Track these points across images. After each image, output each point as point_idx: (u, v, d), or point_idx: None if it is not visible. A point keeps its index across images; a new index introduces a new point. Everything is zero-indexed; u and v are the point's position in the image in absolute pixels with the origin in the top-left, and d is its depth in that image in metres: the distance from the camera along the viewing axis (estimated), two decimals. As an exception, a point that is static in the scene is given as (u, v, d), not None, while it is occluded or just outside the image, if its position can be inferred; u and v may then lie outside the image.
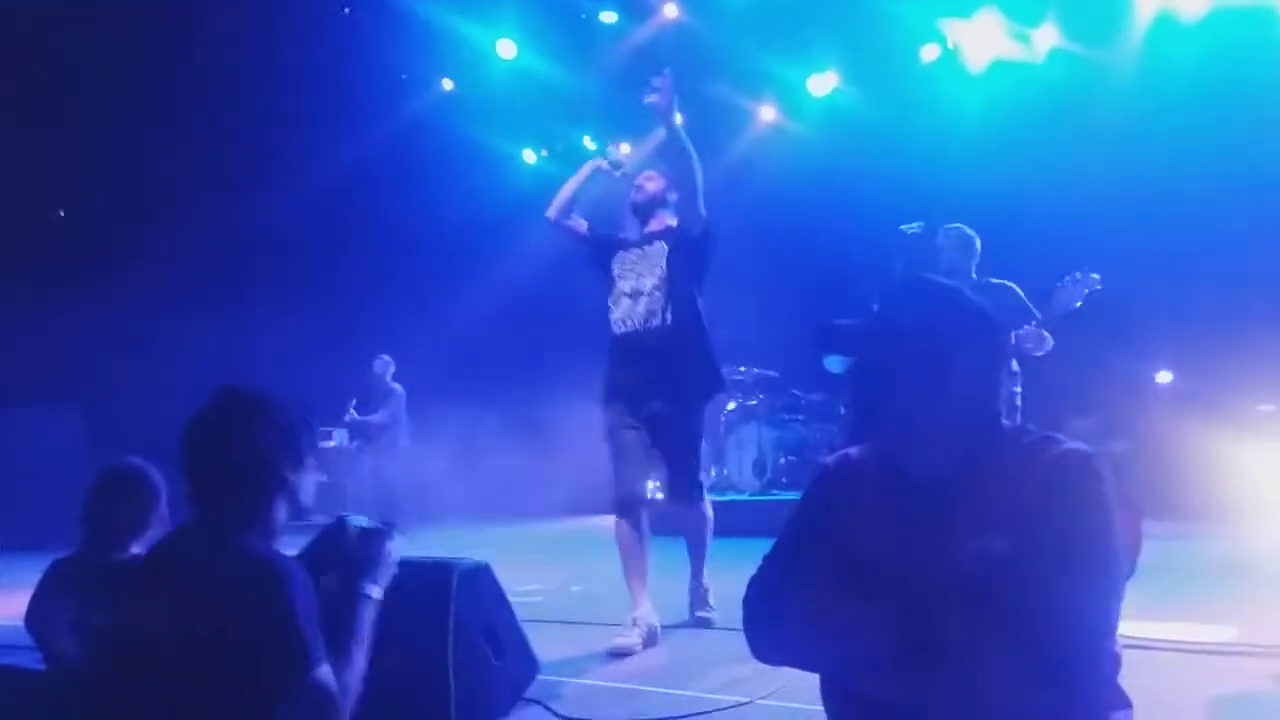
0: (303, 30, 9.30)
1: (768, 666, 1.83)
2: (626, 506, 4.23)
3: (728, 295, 9.92)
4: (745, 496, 8.60)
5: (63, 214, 11.37)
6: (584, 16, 9.43)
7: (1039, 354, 4.79)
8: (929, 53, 9.15)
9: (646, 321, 4.24)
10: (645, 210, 4.41)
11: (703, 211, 4.26)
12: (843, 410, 8.54)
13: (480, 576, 2.94)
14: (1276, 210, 7.51)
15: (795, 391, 9.28)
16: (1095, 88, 8.47)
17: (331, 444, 10.35)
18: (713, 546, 4.51)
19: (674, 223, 4.37)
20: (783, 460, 8.72)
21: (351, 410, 9.82)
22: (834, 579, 1.79)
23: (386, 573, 2.25)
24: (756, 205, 10.23)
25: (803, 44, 9.41)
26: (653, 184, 4.41)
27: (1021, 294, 4.88)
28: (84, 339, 9.45)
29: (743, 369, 9.28)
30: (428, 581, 2.86)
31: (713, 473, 9.26)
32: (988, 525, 1.69)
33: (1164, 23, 8.15)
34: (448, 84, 10.28)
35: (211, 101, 9.75)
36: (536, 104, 10.13)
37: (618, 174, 4.44)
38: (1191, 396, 8.84)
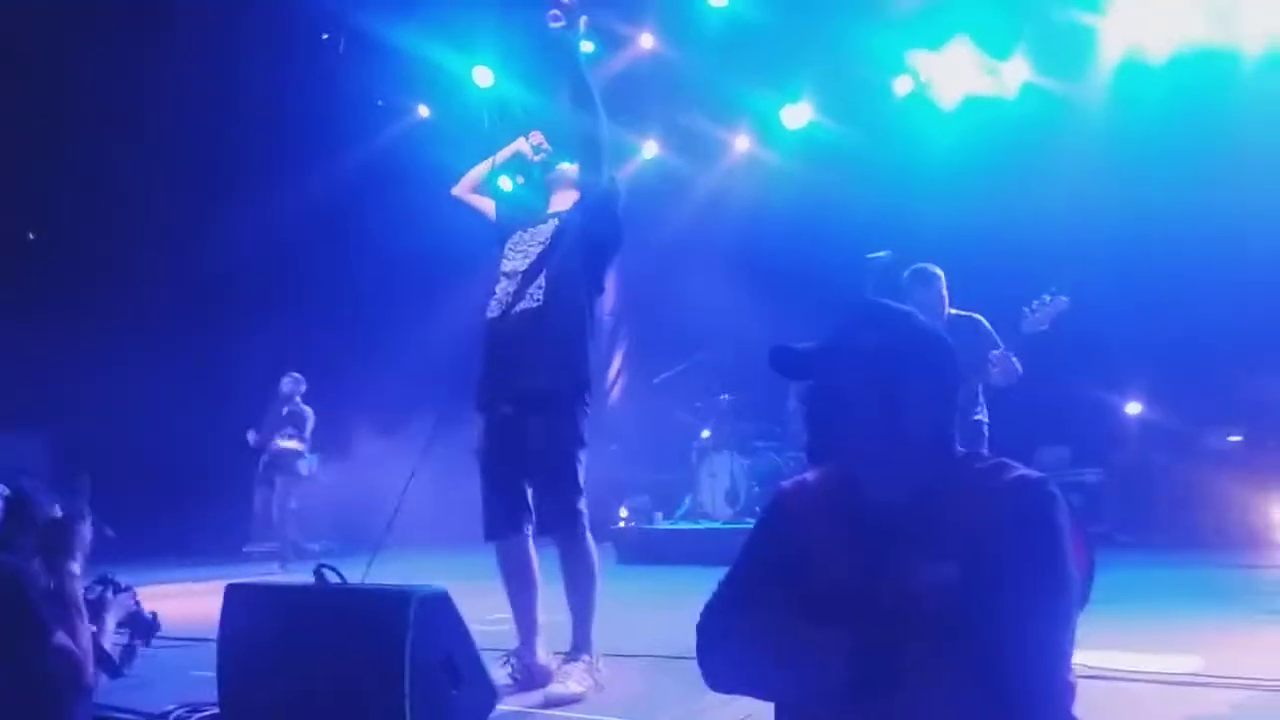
0: (280, 53, 9.31)
1: (726, 697, 1.80)
2: (497, 535, 3.76)
3: (704, 321, 10.02)
4: (718, 525, 8.57)
5: (32, 236, 11.28)
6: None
7: (1008, 383, 4.81)
8: (902, 85, 9.26)
9: (513, 304, 3.72)
10: (549, 188, 4.01)
11: (603, 176, 3.78)
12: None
13: (438, 604, 2.90)
14: (1241, 244, 7.62)
15: (768, 419, 9.29)
16: (1065, 123, 8.61)
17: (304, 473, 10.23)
18: (675, 579, 4.31)
19: (576, 197, 3.92)
20: (755, 488, 8.70)
21: (250, 434, 9.26)
22: (788, 604, 1.78)
23: (83, 550, 2.90)
24: (732, 233, 10.31)
25: (777, 75, 9.50)
26: (569, 168, 3.98)
27: (987, 325, 4.93)
28: (51, 362, 9.35)
29: (725, 396, 9.28)
30: (384, 609, 2.82)
31: (687, 501, 9.24)
32: (941, 551, 1.68)
33: (1132, 60, 8.28)
34: (424, 110, 10.30)
35: (185, 123, 9.73)
36: (512, 131, 10.13)
37: (537, 159, 4.07)
38: (1161, 427, 8.93)
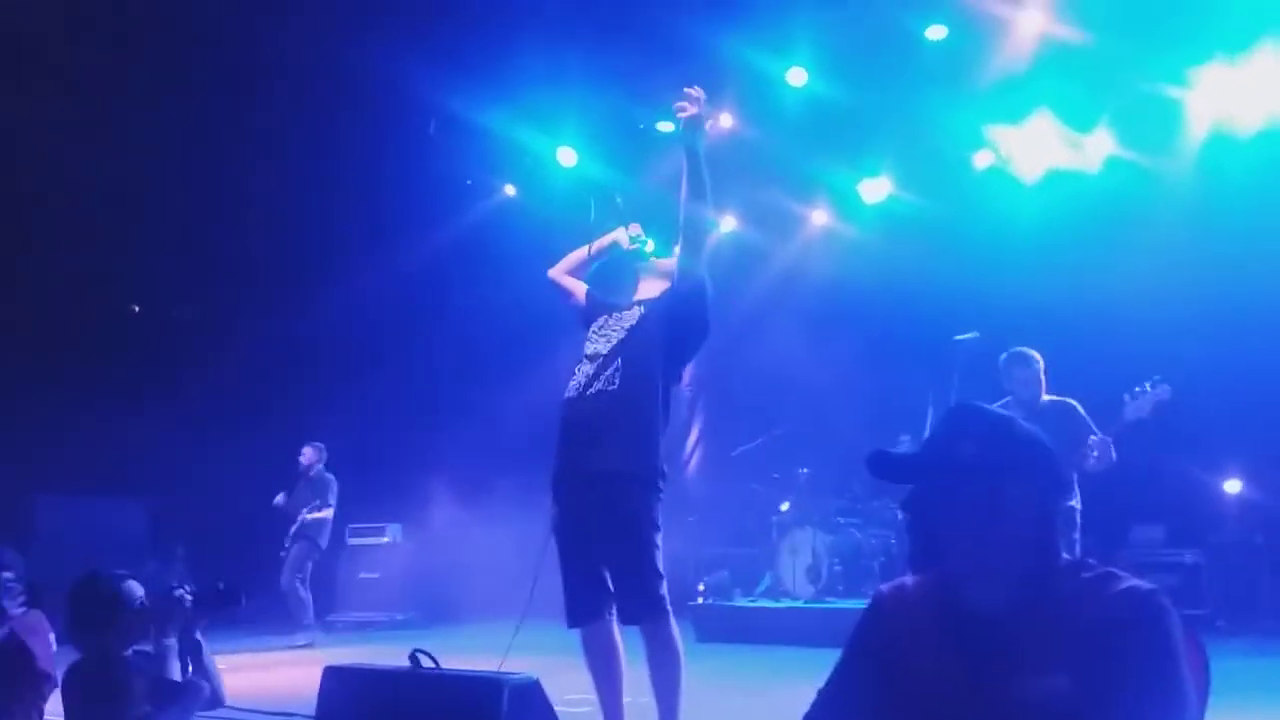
0: (375, 133, 9.69)
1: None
2: (580, 621, 3.69)
3: (783, 394, 10.00)
4: (799, 604, 8.42)
5: (136, 309, 11.83)
6: (642, 126, 9.69)
7: (1102, 468, 4.72)
8: (982, 159, 9.24)
9: (589, 385, 3.73)
10: (638, 277, 4.04)
11: (702, 266, 3.81)
12: (900, 517, 8.42)
13: (530, 692, 2.93)
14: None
15: (851, 495, 9.17)
16: (1151, 196, 8.46)
17: (385, 540, 10.40)
18: (757, 659, 4.21)
19: (665, 287, 3.92)
20: (838, 566, 8.56)
21: (280, 496, 9.11)
22: (887, 714, 1.78)
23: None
24: (811, 307, 10.32)
25: (855, 150, 9.58)
26: (663, 262, 4.00)
27: (1082, 411, 4.85)
28: (149, 432, 9.69)
29: (804, 470, 9.21)
30: (478, 698, 2.87)
31: (767, 578, 9.14)
32: (1049, 664, 1.67)
33: (1219, 134, 8.15)
34: (510, 190, 10.61)
35: (284, 200, 10.14)
36: (613, 219, 10.35)
37: (632, 248, 4.11)
38: (1261, 506, 8.58)
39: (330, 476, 9.23)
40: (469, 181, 10.37)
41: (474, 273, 10.72)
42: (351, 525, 10.43)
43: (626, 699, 3.84)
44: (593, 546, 3.70)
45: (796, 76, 8.72)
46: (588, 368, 3.81)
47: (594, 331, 3.93)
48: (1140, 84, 8.20)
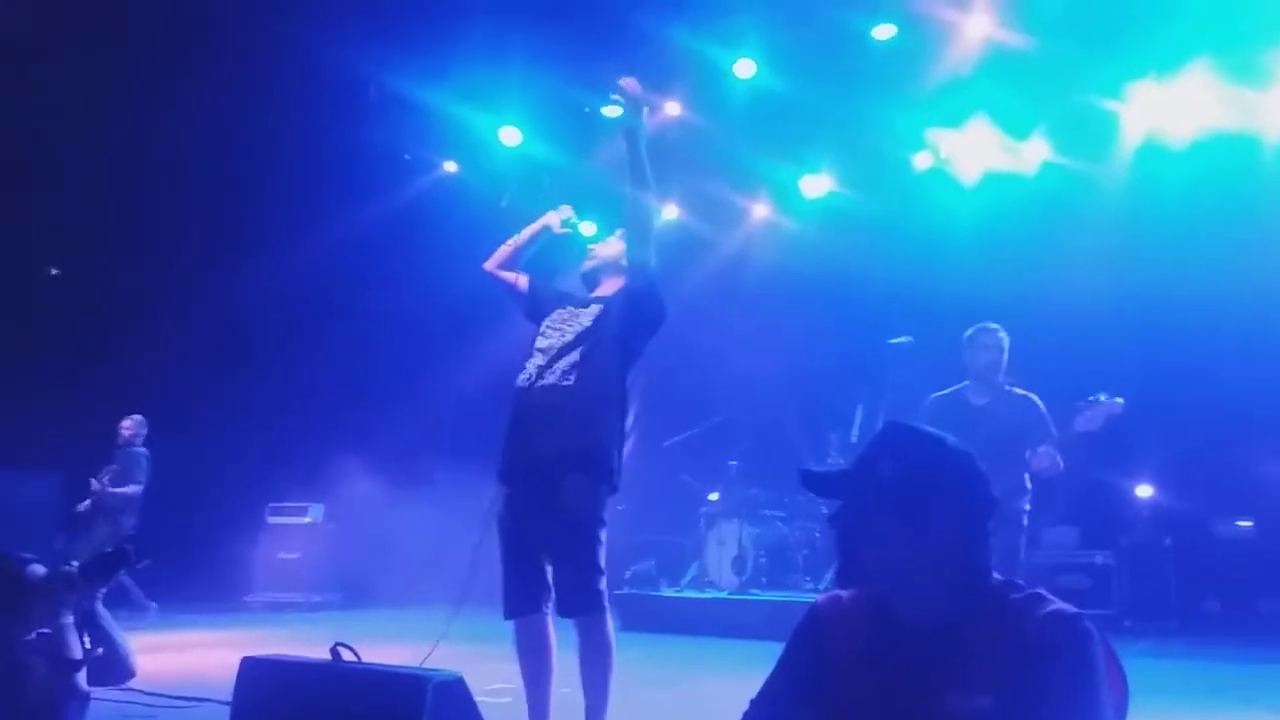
0: (313, 105, 9.45)
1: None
2: (516, 613, 3.67)
3: (718, 385, 10.03)
4: (724, 595, 8.49)
5: (55, 272, 11.38)
6: (587, 109, 9.62)
7: (1051, 475, 4.74)
8: (921, 160, 9.36)
9: (542, 376, 3.68)
10: (594, 276, 3.97)
11: (652, 258, 3.76)
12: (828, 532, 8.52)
13: (454, 689, 2.88)
14: (1256, 329, 7.65)
15: (778, 488, 9.24)
16: (1084, 201, 8.67)
17: (306, 520, 10.20)
18: (683, 650, 4.26)
19: (620, 283, 3.88)
20: (763, 558, 8.64)
21: (104, 481, 8.60)
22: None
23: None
24: (749, 299, 10.36)
25: (798, 146, 9.61)
26: (606, 249, 3.97)
27: (1043, 408, 4.85)
28: (66, 404, 9.36)
29: (734, 462, 9.27)
30: (401, 694, 2.81)
31: (693, 568, 9.18)
32: (975, 683, 1.70)
33: (1152, 145, 8.37)
34: (451, 166, 10.44)
35: (212, 171, 9.85)
36: (538, 190, 10.27)
37: (563, 232, 4.07)
38: (1171, 511, 8.88)
39: (143, 451, 8.75)
40: (407, 156, 10.17)
41: (412, 250, 10.54)
42: (272, 504, 10.21)
43: (554, 690, 3.77)
44: (536, 539, 3.66)
45: (744, 68, 8.70)
46: (540, 359, 3.75)
47: (549, 325, 3.86)
48: (1077, 94, 8.38)
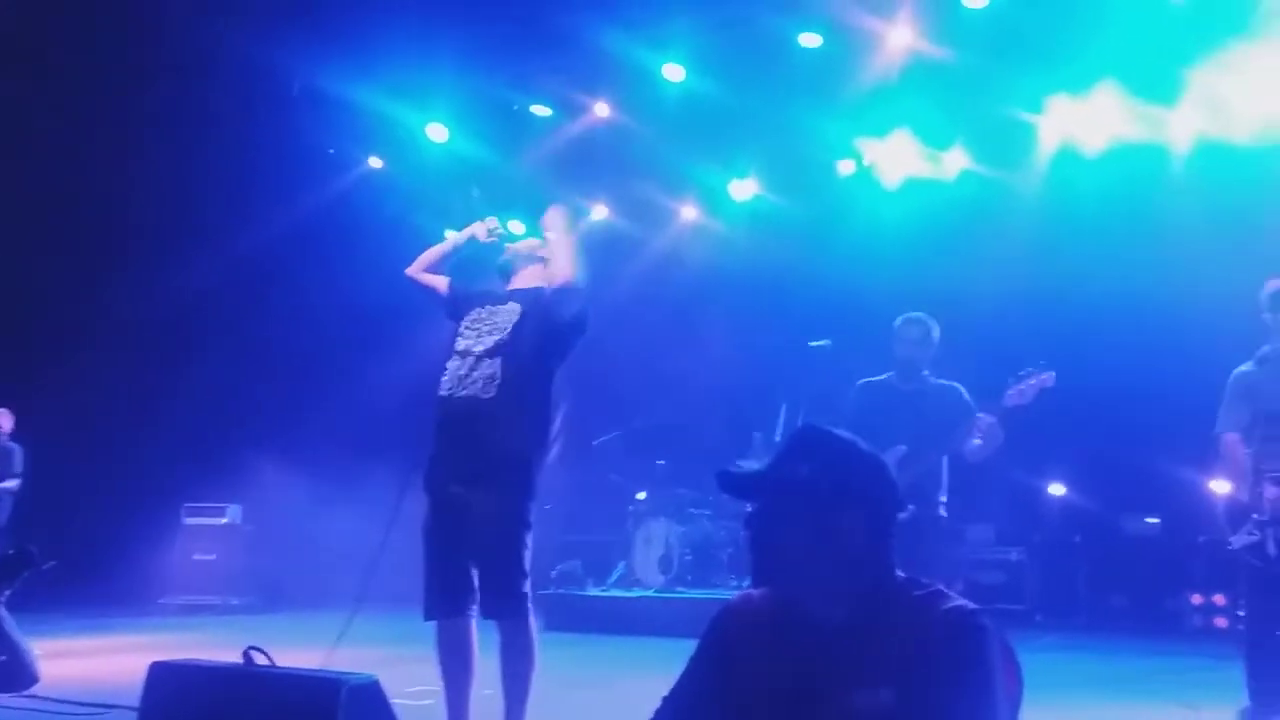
0: (238, 102, 9.25)
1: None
2: (439, 615, 3.66)
3: (646, 385, 10.07)
4: (650, 593, 8.53)
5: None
6: (516, 108, 9.60)
7: (988, 452, 4.76)
8: (845, 166, 9.54)
9: (463, 385, 3.67)
10: (509, 266, 3.93)
11: (577, 273, 3.76)
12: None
13: (369, 693, 2.86)
14: (1164, 331, 7.93)
15: (703, 486, 9.31)
16: (1001, 207, 8.92)
17: (224, 521, 9.96)
18: (607, 650, 4.26)
19: (541, 283, 3.85)
20: (688, 556, 8.70)
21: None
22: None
23: None
24: (677, 300, 10.44)
25: (726, 150, 9.71)
26: (524, 246, 3.97)
27: (965, 393, 4.90)
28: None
29: (660, 461, 9.31)
30: (314, 698, 2.77)
31: (620, 567, 9.21)
32: (874, 677, 1.75)
33: (1066, 153, 8.65)
34: (376, 162, 10.31)
35: (131, 162, 9.57)
36: (465, 187, 10.21)
37: (489, 241, 4.02)
38: (1081, 509, 9.18)
39: (15, 446, 8.55)
40: (331, 151, 10.02)
41: (337, 245, 10.37)
42: (188, 504, 9.95)
43: (473, 692, 3.76)
44: (460, 543, 3.65)
45: (673, 72, 8.76)
46: (460, 365, 3.73)
47: (468, 325, 3.82)
48: (996, 106, 8.62)
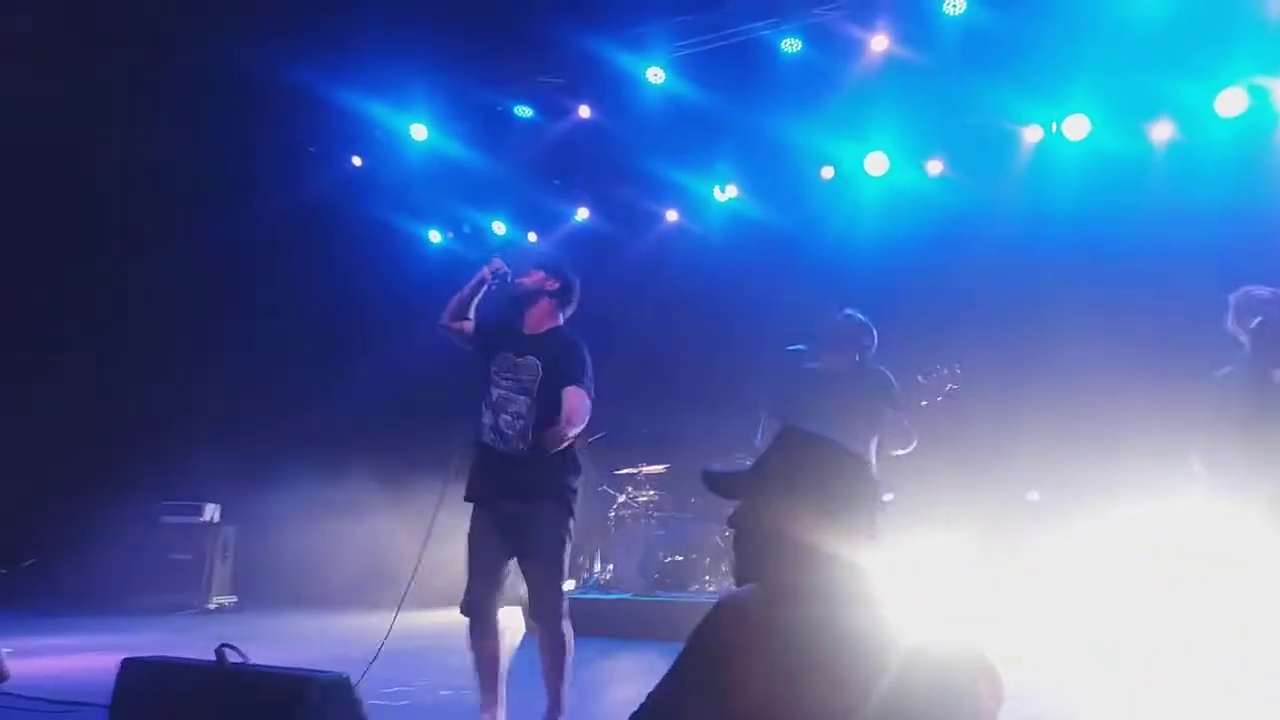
0: (211, 98, 9.20)
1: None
2: (473, 613, 4.14)
3: (627, 387, 10.05)
4: (630, 596, 8.53)
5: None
6: (499, 109, 9.61)
7: (902, 452, 4.87)
8: (825, 172, 9.61)
9: (502, 439, 4.19)
10: (520, 306, 4.40)
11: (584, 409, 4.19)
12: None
13: (340, 690, 2.86)
14: (1143, 340, 8.01)
15: (685, 490, 9.33)
16: (981, 214, 8.98)
17: (202, 519, 9.90)
18: (585, 653, 4.38)
19: (558, 322, 4.39)
20: (668, 560, 8.70)
21: None
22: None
23: None
24: (657, 302, 10.44)
25: (707, 153, 9.75)
26: (530, 279, 4.40)
27: (891, 379, 4.97)
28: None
29: (635, 466, 9.31)
30: (285, 695, 2.77)
31: (599, 569, 9.20)
32: (846, 680, 1.77)
33: (1045, 159, 8.76)
34: (357, 161, 10.29)
35: (115, 163, 9.50)
36: (447, 187, 10.23)
37: (494, 283, 4.47)
38: (1061, 515, 9.19)
39: None
40: (312, 149, 10.00)
41: (317, 244, 10.33)
42: (165, 502, 9.88)
43: (446, 692, 3.86)
44: (506, 552, 4.15)
45: (654, 75, 8.80)
46: (495, 420, 4.21)
47: (496, 372, 4.28)
48: (974, 114, 8.72)
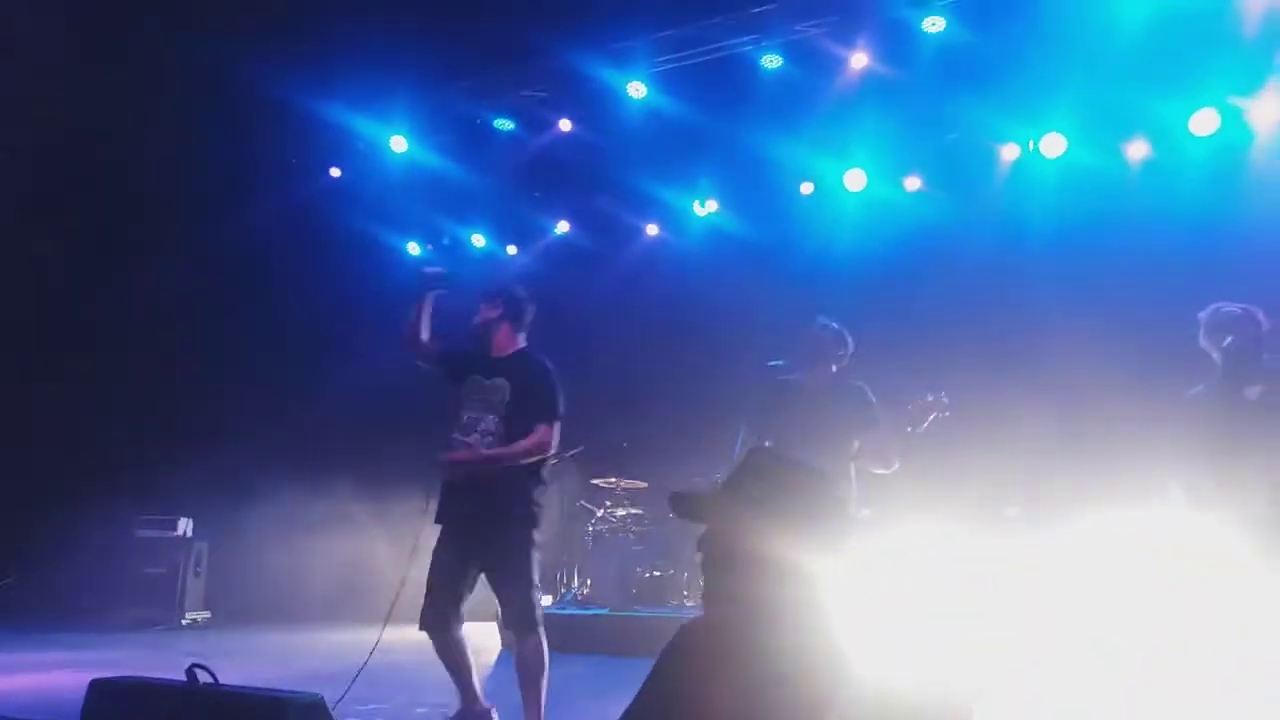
0: (195, 109, 9.16)
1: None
2: (431, 628, 4.20)
3: (604, 401, 10.03)
4: (607, 612, 8.49)
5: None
6: (479, 121, 9.61)
7: (884, 472, 4.87)
8: (805, 188, 9.65)
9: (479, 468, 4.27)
10: (484, 334, 4.50)
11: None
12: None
13: (314, 713, 2.82)
14: (1123, 353, 8.07)
15: (661, 505, 9.29)
16: (960, 229, 9.05)
17: (176, 533, 9.77)
18: (563, 669, 4.37)
19: (521, 344, 4.52)
20: (645, 575, 8.67)
21: None
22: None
23: None
24: (637, 316, 10.44)
25: (688, 166, 9.79)
26: (479, 317, 4.52)
27: (870, 395, 4.98)
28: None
29: (613, 480, 9.28)
30: (258, 718, 2.73)
31: (576, 585, 9.16)
32: (815, 700, 1.76)
33: (1023, 175, 8.84)
34: (335, 172, 10.25)
35: (97, 170, 9.42)
36: (427, 199, 10.21)
37: (444, 287, 4.57)
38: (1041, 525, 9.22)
39: None
40: (293, 160, 9.95)
41: (296, 256, 10.27)
42: (140, 515, 9.76)
43: (422, 709, 3.95)
44: (467, 568, 4.24)
45: (635, 89, 8.82)
46: (463, 441, 4.27)
47: (467, 396, 4.38)
48: (952, 130, 8.78)
